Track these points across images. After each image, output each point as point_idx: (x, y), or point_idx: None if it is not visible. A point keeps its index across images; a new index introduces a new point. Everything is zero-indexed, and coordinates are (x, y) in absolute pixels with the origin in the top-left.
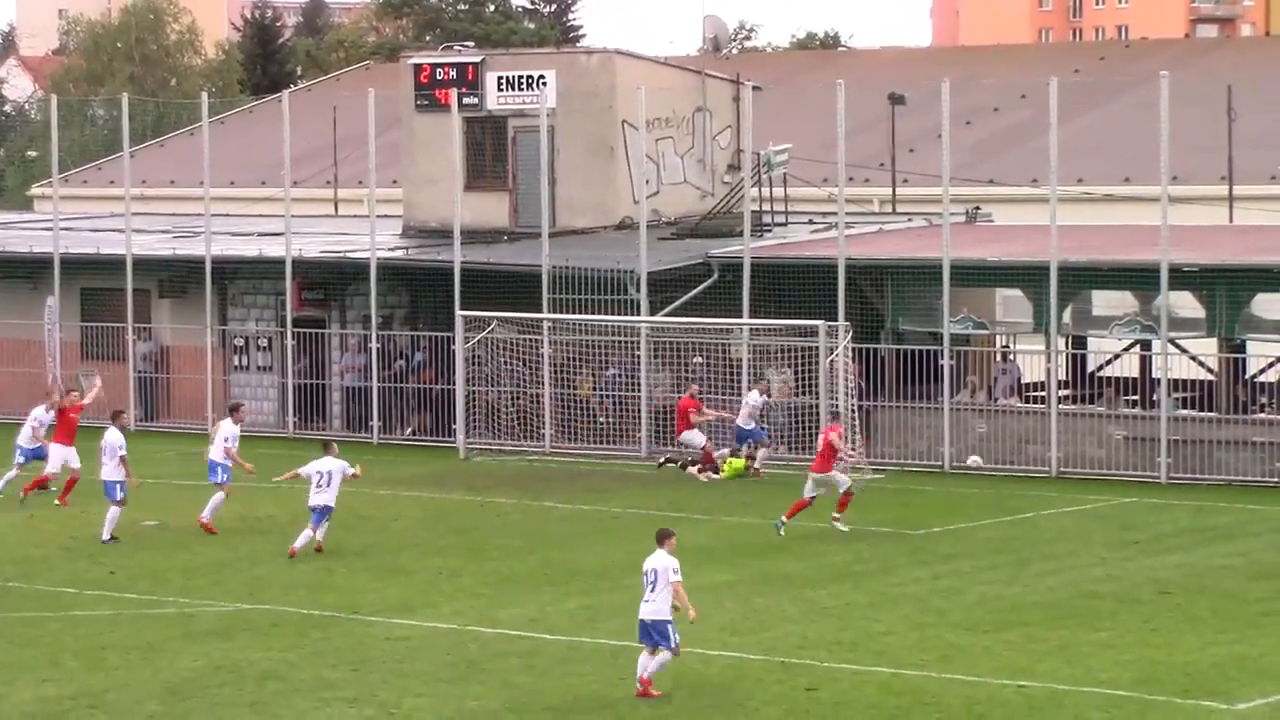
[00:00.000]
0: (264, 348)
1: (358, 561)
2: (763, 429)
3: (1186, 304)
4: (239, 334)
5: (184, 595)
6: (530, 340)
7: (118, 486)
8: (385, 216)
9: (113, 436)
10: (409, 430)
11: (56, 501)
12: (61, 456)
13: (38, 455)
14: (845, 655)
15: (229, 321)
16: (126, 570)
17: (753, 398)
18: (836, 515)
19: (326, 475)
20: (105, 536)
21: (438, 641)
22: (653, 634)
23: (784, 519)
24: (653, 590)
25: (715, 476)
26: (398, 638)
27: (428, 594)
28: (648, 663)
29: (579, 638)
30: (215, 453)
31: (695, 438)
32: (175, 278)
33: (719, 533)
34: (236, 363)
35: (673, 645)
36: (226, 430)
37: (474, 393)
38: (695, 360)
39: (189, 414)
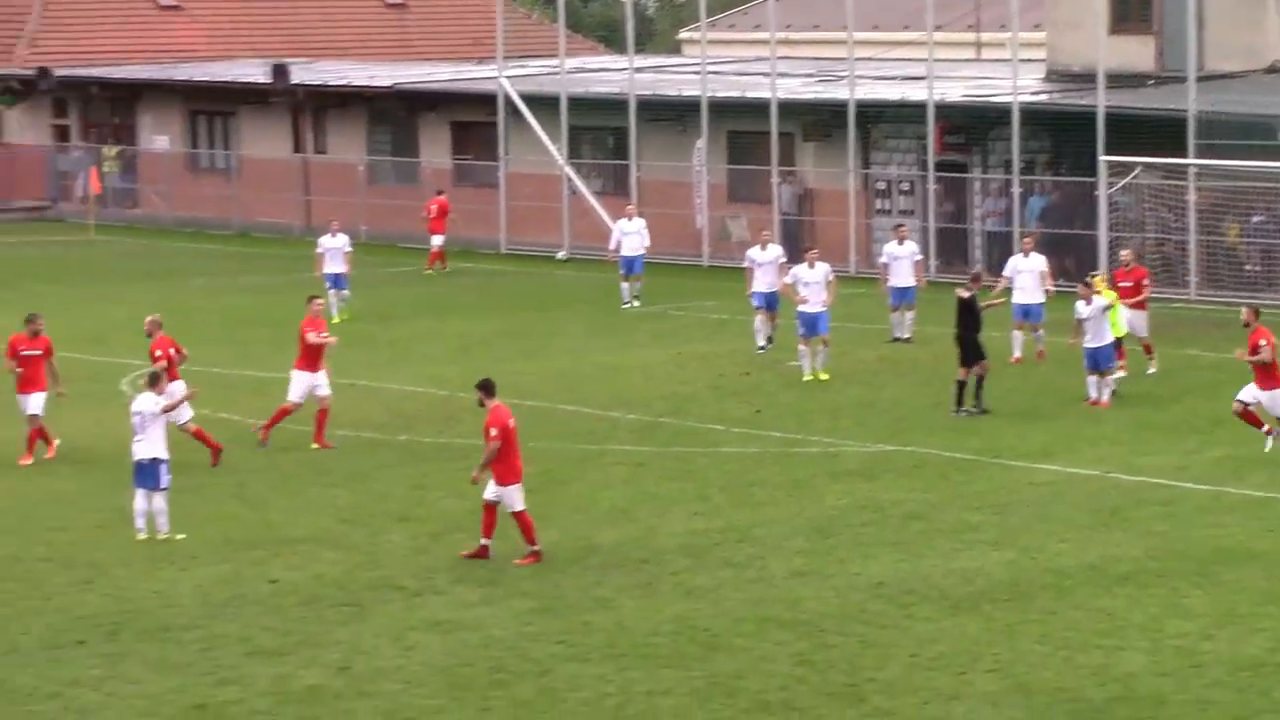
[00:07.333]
0: (906, 192)
1: (1000, 405)
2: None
3: None
4: (881, 178)
5: (828, 435)
6: (1175, 186)
7: None
8: (1028, 60)
9: None
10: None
11: (314, 444)
12: (306, 385)
13: (335, 283)
14: None
15: (871, 165)
16: (773, 409)
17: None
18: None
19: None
20: None
21: (1079, 487)
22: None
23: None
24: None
25: None
26: (1039, 483)
27: (1070, 440)
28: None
29: (1223, 488)
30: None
31: None
32: (819, 121)
33: None
34: (879, 207)
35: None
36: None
37: (1116, 239)
38: None
39: (833, 257)
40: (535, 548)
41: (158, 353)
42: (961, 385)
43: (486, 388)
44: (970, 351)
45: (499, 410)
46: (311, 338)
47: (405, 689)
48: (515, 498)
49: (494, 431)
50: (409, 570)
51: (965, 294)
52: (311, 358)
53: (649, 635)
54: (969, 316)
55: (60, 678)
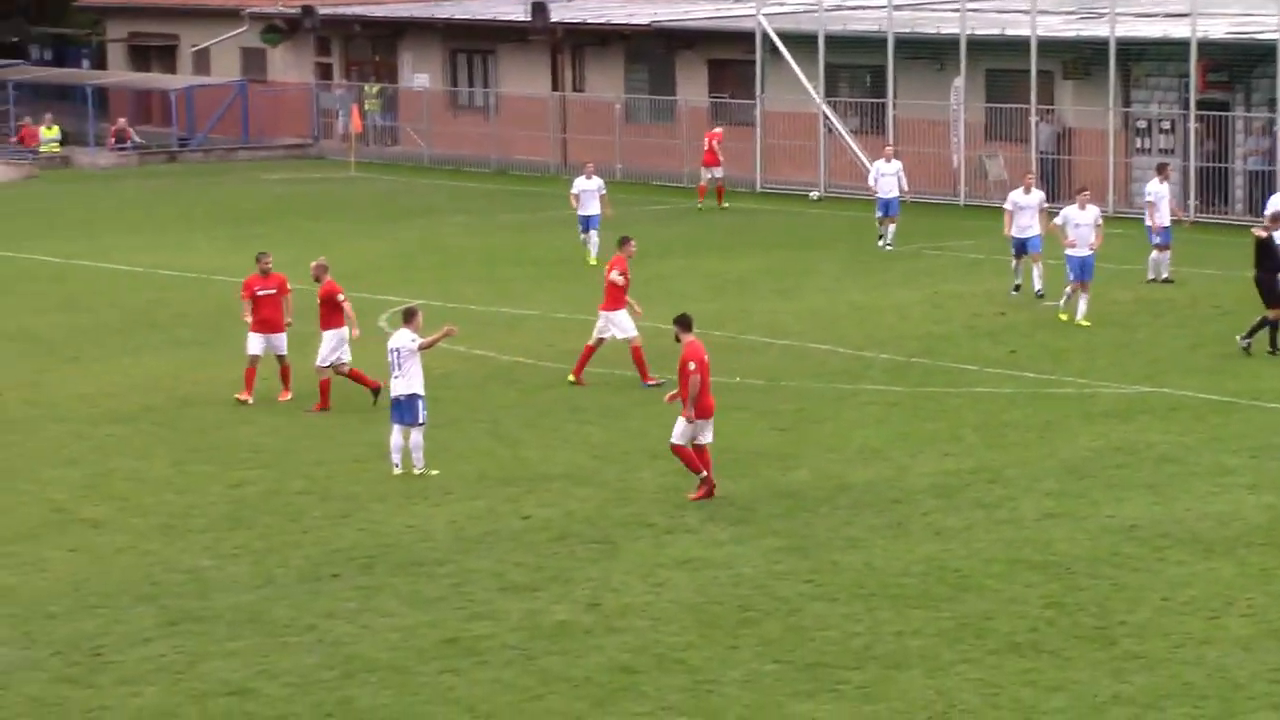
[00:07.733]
0: (1166, 130)
1: (1259, 347)
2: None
3: None
4: (1141, 116)
5: (1083, 376)
6: None
7: None
8: None
9: None
10: None
11: (570, 377)
12: (616, 324)
13: (587, 226)
14: None
15: (1131, 104)
16: (1027, 350)
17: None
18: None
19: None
20: None
21: None
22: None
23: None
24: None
25: None
26: None
27: None
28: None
29: None
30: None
31: None
32: (1079, 59)
33: None
34: (1138, 145)
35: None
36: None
37: None
38: None
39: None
40: (705, 474)
41: (340, 296)
42: (1265, 322)
43: (684, 322)
44: (1272, 293)
45: (695, 345)
46: (613, 277)
47: (654, 626)
48: (682, 432)
49: (692, 366)
50: (659, 508)
51: (1263, 234)
52: (615, 297)
53: (898, 575)
54: (1267, 257)
55: (316, 609)
